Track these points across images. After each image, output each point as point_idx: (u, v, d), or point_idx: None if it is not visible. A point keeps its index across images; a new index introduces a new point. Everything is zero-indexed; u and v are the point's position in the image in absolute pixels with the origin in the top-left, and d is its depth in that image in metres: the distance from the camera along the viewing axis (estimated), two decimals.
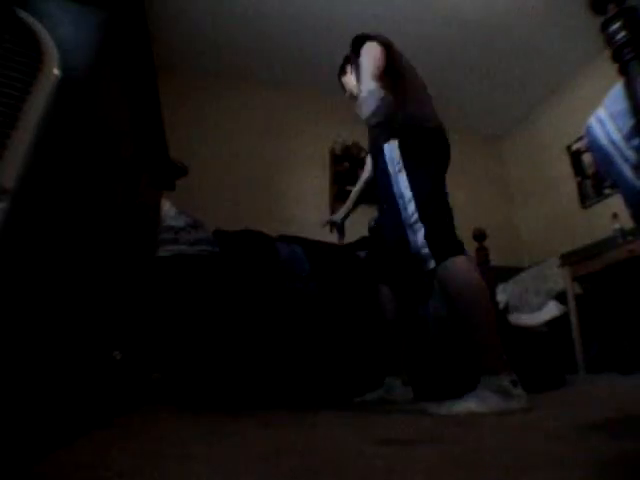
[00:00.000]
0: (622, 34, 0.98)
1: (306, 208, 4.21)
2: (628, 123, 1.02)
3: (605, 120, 1.11)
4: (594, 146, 1.14)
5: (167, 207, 2.39)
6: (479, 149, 5.50)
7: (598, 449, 0.74)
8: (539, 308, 3.78)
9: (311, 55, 4.35)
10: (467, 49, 4.31)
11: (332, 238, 2.51)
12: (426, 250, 1.56)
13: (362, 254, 2.41)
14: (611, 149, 1.07)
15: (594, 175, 4.30)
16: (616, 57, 1.01)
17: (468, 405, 1.38)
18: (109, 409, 1.20)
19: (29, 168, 0.70)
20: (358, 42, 1.93)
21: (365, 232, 2.58)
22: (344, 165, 4.36)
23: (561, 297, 3.70)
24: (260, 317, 1.90)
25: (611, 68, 1.07)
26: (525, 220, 5.37)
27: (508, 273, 4.44)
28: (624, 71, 0.98)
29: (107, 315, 1.20)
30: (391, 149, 1.74)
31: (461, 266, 1.54)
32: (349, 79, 2.24)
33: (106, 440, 0.94)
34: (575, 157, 4.61)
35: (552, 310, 3.68)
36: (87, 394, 1.04)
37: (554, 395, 1.88)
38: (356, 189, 2.45)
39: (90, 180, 0.95)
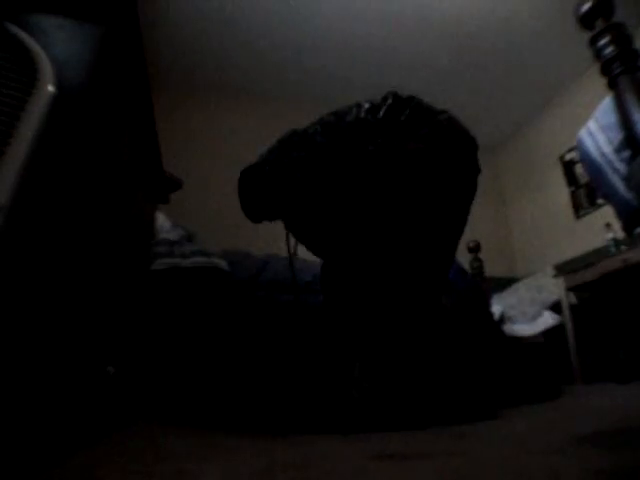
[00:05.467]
0: (610, 49, 1.00)
1: None
2: (618, 135, 1.04)
3: (596, 132, 1.13)
4: (585, 158, 1.16)
5: (161, 220, 2.39)
6: None
7: (596, 461, 0.74)
8: (534, 318, 3.79)
9: (305, 69, 4.39)
10: (462, 61, 4.36)
11: None
12: None
13: None
14: (602, 161, 1.09)
15: (587, 185, 4.33)
16: (605, 71, 1.03)
17: None
18: (102, 425, 1.19)
19: (23, 185, 0.70)
20: None
21: None
22: None
23: (556, 307, 3.71)
24: (244, 330, 1.89)
25: (603, 80, 1.08)
26: (519, 230, 5.40)
27: (503, 284, 4.45)
28: (613, 85, 1.00)
29: (101, 329, 1.20)
30: None
31: None
32: None
33: (99, 457, 0.93)
34: (568, 167, 4.65)
35: (547, 320, 3.69)
36: (79, 410, 1.03)
37: (551, 406, 1.87)
38: None
39: (84, 195, 0.95)
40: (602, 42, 1.03)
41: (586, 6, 1.06)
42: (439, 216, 1.49)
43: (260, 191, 1.60)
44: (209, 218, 3.77)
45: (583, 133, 1.20)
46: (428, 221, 1.48)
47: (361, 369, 1.46)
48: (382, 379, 1.46)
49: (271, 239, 3.57)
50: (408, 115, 1.49)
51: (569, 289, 3.56)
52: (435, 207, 1.47)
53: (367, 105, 1.55)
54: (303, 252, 1.99)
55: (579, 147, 1.23)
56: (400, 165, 1.43)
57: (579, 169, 4.44)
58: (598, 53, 1.05)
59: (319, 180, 1.47)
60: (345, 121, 1.53)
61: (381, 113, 1.51)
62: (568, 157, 4.61)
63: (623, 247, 3.29)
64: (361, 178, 1.44)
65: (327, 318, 1.60)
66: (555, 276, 3.80)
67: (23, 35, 0.88)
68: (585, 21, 1.08)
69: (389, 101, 1.53)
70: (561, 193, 4.72)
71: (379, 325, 1.50)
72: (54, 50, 0.90)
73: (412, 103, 1.53)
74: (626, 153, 1.03)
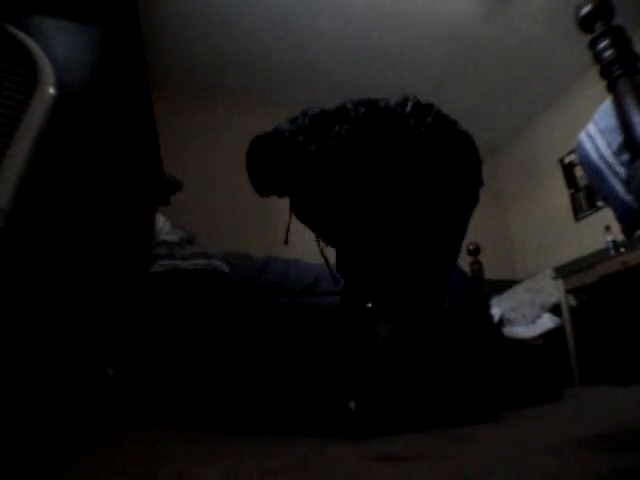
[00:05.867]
0: (610, 52, 1.00)
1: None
2: (618, 138, 1.04)
3: (595, 135, 1.13)
4: (585, 161, 1.16)
5: (162, 222, 2.39)
6: None
7: (595, 464, 0.74)
8: (533, 321, 3.78)
9: (305, 71, 4.40)
10: (462, 64, 4.36)
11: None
12: None
13: None
14: (601, 164, 1.09)
15: (587, 187, 4.34)
16: (604, 74, 1.03)
17: None
18: (101, 427, 1.19)
19: (24, 187, 0.70)
20: None
21: None
22: None
23: (556, 309, 3.71)
24: (244, 332, 1.88)
25: (603, 82, 1.09)
26: (519, 233, 5.40)
27: (502, 286, 4.45)
28: (612, 88, 1.00)
29: (100, 331, 1.20)
30: None
31: None
32: None
33: (99, 460, 0.93)
34: (568, 170, 4.65)
35: (547, 323, 3.69)
36: (79, 412, 1.03)
37: (550, 408, 1.87)
38: None
39: (85, 197, 0.95)
40: (602, 45, 1.03)
41: (586, 9, 1.06)
42: (446, 222, 1.52)
43: (281, 162, 1.52)
44: (209, 220, 3.77)
45: (583, 136, 1.20)
46: (437, 226, 1.50)
47: (361, 375, 1.46)
48: (382, 383, 1.46)
49: (271, 241, 3.58)
50: (433, 119, 1.51)
51: (568, 291, 3.56)
52: (444, 214, 1.49)
53: (393, 100, 1.56)
54: (301, 254, 2.00)
55: (579, 150, 1.23)
56: (427, 171, 1.45)
57: (579, 171, 4.44)
58: (598, 56, 1.05)
59: (368, 155, 1.45)
60: (379, 106, 1.53)
61: (408, 108, 1.52)
62: (568, 159, 4.61)
63: (622, 249, 3.30)
64: (393, 173, 1.45)
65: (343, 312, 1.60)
66: (554, 278, 3.80)
67: (24, 37, 0.88)
68: (585, 24, 1.08)
69: (413, 101, 1.54)
70: (561, 195, 4.72)
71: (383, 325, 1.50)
72: (55, 52, 0.91)
73: (434, 109, 1.55)
74: (625, 156, 1.03)
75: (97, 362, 1.18)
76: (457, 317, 1.88)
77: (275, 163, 1.53)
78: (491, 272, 3.90)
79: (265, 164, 1.56)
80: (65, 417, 0.93)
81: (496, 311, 3.86)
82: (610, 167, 1.07)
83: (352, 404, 1.41)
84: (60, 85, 0.85)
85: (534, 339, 3.57)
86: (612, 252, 3.46)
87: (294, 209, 1.63)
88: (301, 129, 1.51)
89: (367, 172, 1.46)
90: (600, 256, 3.59)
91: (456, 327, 1.69)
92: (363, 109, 1.51)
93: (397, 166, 1.45)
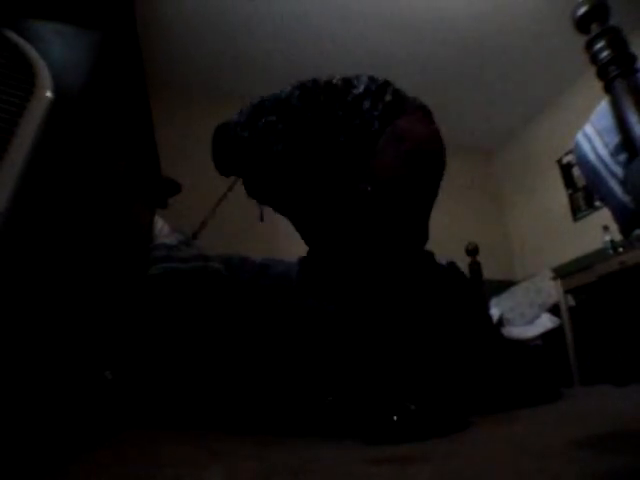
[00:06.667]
0: (606, 53, 1.01)
1: None
2: (614, 139, 1.04)
3: (592, 136, 1.13)
4: (582, 161, 1.16)
5: (160, 225, 2.39)
6: (471, 164, 5.55)
7: (594, 464, 0.74)
8: (532, 321, 3.79)
9: (305, 74, 4.39)
10: (460, 66, 4.37)
11: None
12: None
13: None
14: (598, 164, 1.09)
15: (585, 188, 4.35)
16: (601, 75, 1.04)
17: None
18: (100, 430, 1.18)
19: (21, 191, 0.70)
20: None
21: None
22: None
23: (554, 310, 3.72)
24: (243, 334, 1.89)
25: (600, 83, 1.09)
26: (517, 233, 5.40)
27: (501, 287, 4.45)
28: (609, 89, 1.00)
29: (99, 335, 1.20)
30: None
31: None
32: None
33: (98, 463, 0.93)
34: (566, 170, 4.66)
35: (546, 323, 3.69)
36: (77, 415, 1.02)
37: (549, 409, 1.87)
38: None
39: (83, 200, 0.95)
40: (598, 46, 1.03)
41: (582, 10, 1.06)
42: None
43: (229, 149, 1.78)
44: (208, 222, 3.76)
45: (580, 136, 1.20)
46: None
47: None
48: (381, 387, 1.45)
49: (270, 243, 3.58)
50: (372, 105, 1.54)
51: (567, 291, 3.57)
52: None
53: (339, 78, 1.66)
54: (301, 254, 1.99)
55: (576, 150, 1.23)
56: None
57: (577, 172, 4.45)
58: (594, 57, 1.05)
59: (290, 146, 1.54)
60: (319, 83, 1.68)
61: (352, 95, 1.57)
62: (566, 160, 4.62)
63: (620, 249, 3.30)
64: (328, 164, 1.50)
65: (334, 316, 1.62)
66: (553, 278, 3.81)
67: (21, 41, 0.89)
68: (581, 25, 1.08)
69: (364, 85, 1.59)
70: (559, 196, 4.73)
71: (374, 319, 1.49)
72: (52, 56, 0.91)
73: (386, 92, 1.59)
74: (622, 156, 1.04)
75: (95, 365, 1.18)
76: (456, 318, 1.88)
77: (226, 151, 1.83)
78: (490, 272, 3.89)
79: (220, 151, 1.88)
80: (64, 420, 0.93)
81: (495, 311, 3.87)
82: (607, 167, 1.08)
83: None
84: (57, 89, 0.85)
85: (533, 339, 3.58)
86: (610, 252, 3.47)
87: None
88: (239, 122, 1.78)
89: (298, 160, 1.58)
90: (598, 256, 3.60)
91: (455, 327, 1.69)
92: (297, 93, 1.68)
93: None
